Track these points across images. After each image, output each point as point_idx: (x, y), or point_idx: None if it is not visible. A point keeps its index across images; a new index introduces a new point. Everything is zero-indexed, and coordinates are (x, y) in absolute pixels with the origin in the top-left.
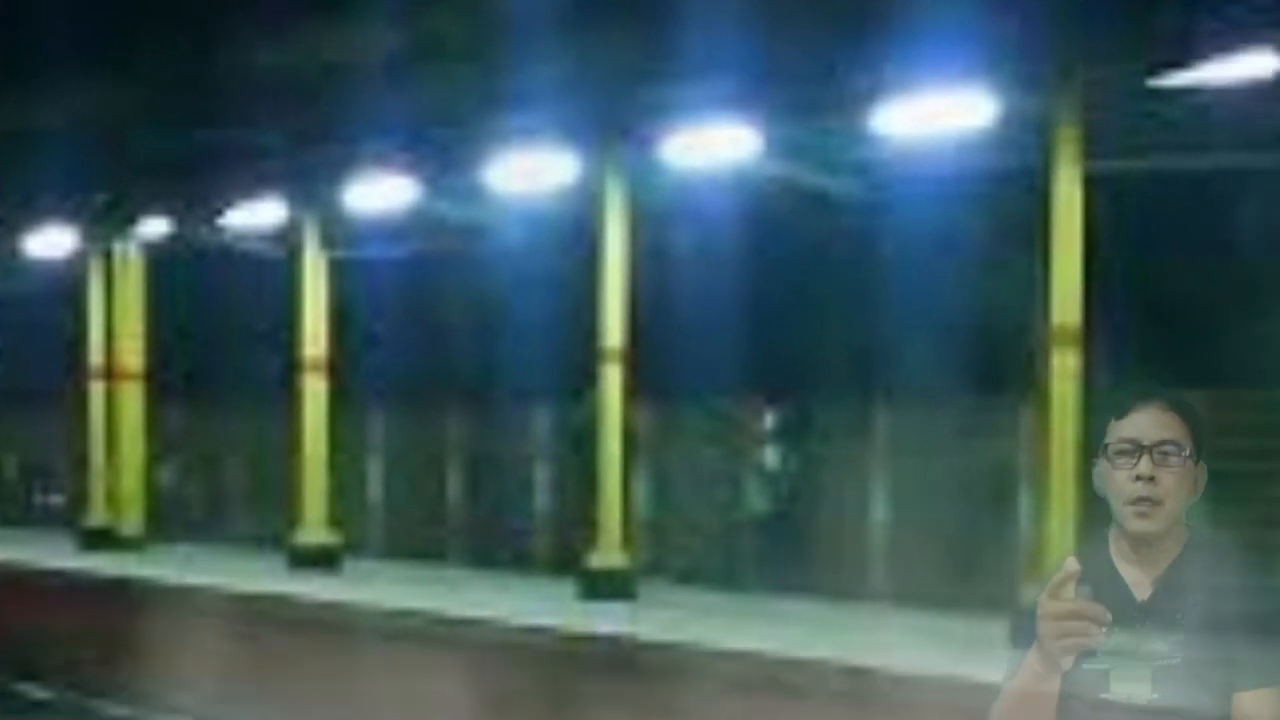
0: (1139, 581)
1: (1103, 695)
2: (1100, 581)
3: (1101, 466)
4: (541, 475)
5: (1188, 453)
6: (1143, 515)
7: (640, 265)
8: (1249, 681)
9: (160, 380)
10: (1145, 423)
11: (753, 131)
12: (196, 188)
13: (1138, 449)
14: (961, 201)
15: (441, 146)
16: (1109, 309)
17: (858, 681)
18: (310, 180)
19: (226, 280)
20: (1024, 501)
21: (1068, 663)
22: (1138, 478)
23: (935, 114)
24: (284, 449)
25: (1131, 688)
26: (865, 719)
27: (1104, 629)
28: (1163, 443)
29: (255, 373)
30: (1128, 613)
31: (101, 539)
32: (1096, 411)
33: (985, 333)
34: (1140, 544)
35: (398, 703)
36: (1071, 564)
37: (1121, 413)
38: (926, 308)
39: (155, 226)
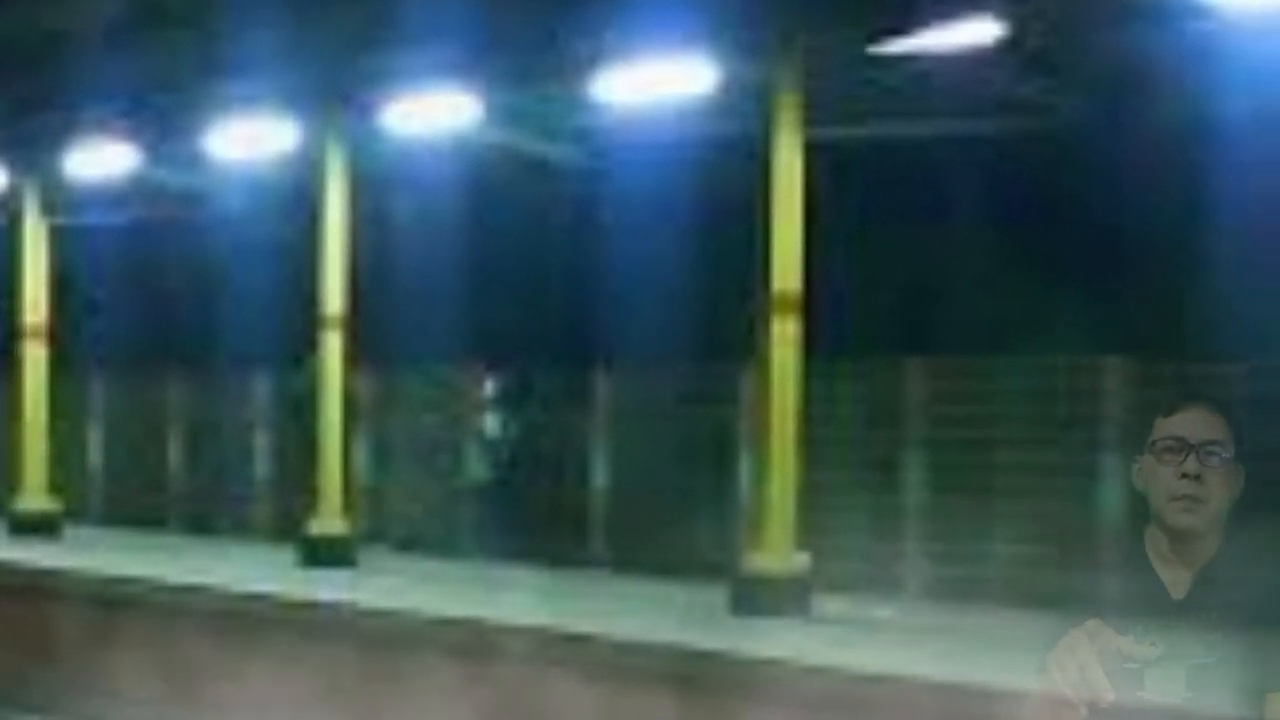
0: (1175, 581)
1: (1138, 694)
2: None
3: (1145, 463)
4: (262, 442)
5: (1229, 453)
6: (1187, 511)
7: (361, 232)
8: None
9: None
10: (1192, 421)
11: (473, 98)
12: None
13: (1185, 447)
14: (682, 169)
15: (162, 113)
16: (829, 276)
17: (576, 649)
18: (30, 147)
19: None
20: (744, 467)
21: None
22: (1184, 475)
23: (656, 81)
24: (3, 416)
25: (1166, 688)
26: (583, 686)
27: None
28: (1209, 442)
29: None
30: (1163, 612)
31: None
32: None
33: (706, 299)
34: (1180, 541)
35: (111, 669)
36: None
37: (1168, 411)
38: (647, 275)
39: None
